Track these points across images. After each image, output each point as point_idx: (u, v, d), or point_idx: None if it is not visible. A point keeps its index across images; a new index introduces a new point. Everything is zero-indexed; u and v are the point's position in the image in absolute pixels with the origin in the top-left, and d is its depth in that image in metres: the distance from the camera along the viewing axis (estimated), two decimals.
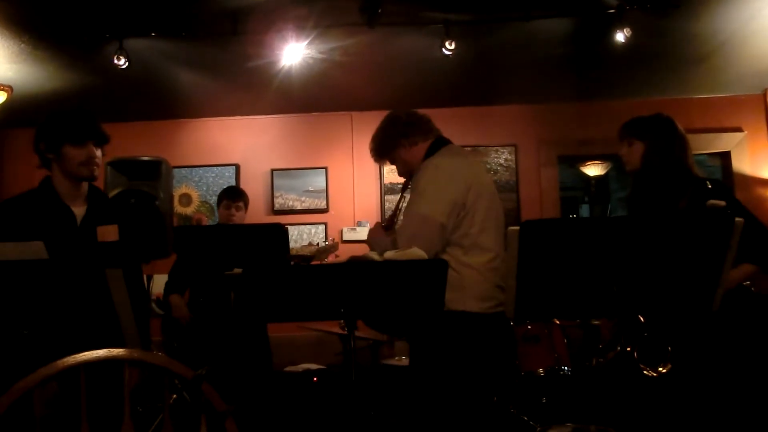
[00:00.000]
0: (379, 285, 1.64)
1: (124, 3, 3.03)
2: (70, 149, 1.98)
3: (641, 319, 1.86)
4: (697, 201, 2.07)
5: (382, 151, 2.29)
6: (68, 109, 2.05)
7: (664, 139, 2.21)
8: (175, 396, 2.41)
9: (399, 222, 2.22)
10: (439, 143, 2.22)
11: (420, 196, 2.05)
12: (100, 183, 2.96)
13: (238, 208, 3.50)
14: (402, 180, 2.34)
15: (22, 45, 3.38)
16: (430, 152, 2.19)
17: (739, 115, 4.67)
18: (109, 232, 2.00)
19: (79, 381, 1.27)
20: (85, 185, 2.07)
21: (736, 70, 4.14)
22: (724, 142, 4.67)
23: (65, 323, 1.54)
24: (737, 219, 1.40)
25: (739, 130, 4.67)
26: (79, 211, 2.04)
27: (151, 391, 1.96)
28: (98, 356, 1.31)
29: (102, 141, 2.05)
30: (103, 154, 2.08)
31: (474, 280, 2.03)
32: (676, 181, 2.14)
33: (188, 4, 3.08)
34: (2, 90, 3.72)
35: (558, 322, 2.98)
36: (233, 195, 3.54)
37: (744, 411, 1.98)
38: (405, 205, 2.19)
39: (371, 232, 2.28)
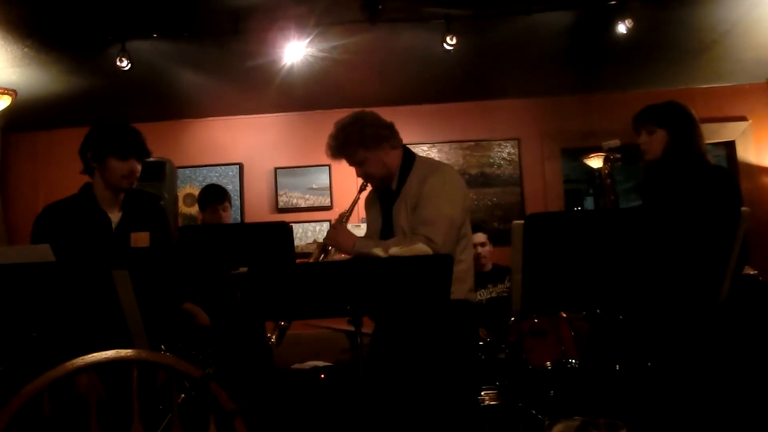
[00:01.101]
0: (385, 281, 1.64)
1: (125, 5, 3.03)
2: (114, 161, 2.13)
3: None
4: (709, 189, 2.05)
5: (357, 146, 2.19)
6: (117, 124, 2.20)
7: (686, 126, 2.17)
8: (183, 395, 2.42)
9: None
10: (411, 152, 2.30)
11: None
12: None
13: (224, 209, 3.43)
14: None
15: (26, 49, 3.39)
16: (408, 160, 2.25)
17: (743, 104, 4.64)
18: (141, 239, 2.15)
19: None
20: (122, 192, 2.20)
21: (740, 59, 4.11)
22: (728, 132, 4.65)
23: (73, 325, 1.55)
24: (744, 209, 1.39)
25: (743, 119, 4.65)
26: (115, 217, 2.17)
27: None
28: (107, 357, 1.31)
29: (144, 156, 2.19)
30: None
31: (467, 274, 2.20)
32: (695, 170, 2.11)
33: (189, 5, 3.08)
34: (6, 94, 3.74)
35: (565, 315, 2.98)
36: (218, 198, 3.42)
37: (753, 401, 1.98)
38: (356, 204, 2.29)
39: (337, 233, 2.17)
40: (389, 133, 2.22)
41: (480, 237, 3.63)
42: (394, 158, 2.23)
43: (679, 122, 2.18)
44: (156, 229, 2.21)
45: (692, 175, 2.11)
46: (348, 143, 2.20)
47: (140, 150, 2.17)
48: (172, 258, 2.27)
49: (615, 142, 2.05)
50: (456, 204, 2.11)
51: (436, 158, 4.68)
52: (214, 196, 3.45)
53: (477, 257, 3.56)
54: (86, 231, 2.09)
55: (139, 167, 2.18)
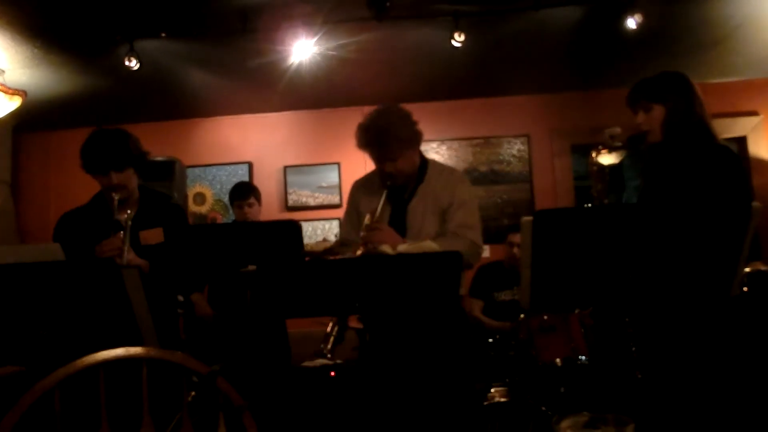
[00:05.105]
0: (394, 278, 1.64)
1: (133, 5, 3.05)
2: (96, 176, 2.08)
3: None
4: (720, 171, 1.88)
5: (407, 141, 2.14)
6: (88, 138, 2.07)
7: (683, 97, 1.94)
8: (193, 393, 2.43)
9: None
10: (422, 154, 2.29)
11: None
12: None
13: (250, 205, 3.49)
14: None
15: (35, 50, 3.42)
16: (423, 161, 2.26)
17: (754, 98, 4.60)
18: (152, 236, 2.06)
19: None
20: (135, 192, 2.15)
21: (752, 53, 4.07)
22: (739, 127, 4.60)
23: (82, 324, 1.56)
24: (755, 204, 1.37)
25: (755, 113, 4.60)
26: (128, 216, 2.07)
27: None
28: (116, 355, 1.32)
29: (117, 165, 2.04)
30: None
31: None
32: (699, 151, 1.91)
33: (197, 4, 3.09)
34: (17, 95, 3.77)
35: (575, 312, 2.96)
36: (241, 194, 3.51)
37: (764, 398, 1.95)
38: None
39: (385, 235, 2.08)
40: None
41: (519, 237, 3.67)
42: (417, 158, 2.24)
43: (675, 93, 1.95)
44: (172, 225, 2.15)
45: (696, 158, 1.91)
46: (407, 142, 2.15)
47: (111, 162, 2.02)
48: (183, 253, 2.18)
49: (617, 130, 1.99)
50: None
51: (446, 155, 4.68)
52: (235, 193, 3.53)
53: (513, 257, 3.70)
54: (99, 236, 2.00)
55: (119, 177, 2.04)
